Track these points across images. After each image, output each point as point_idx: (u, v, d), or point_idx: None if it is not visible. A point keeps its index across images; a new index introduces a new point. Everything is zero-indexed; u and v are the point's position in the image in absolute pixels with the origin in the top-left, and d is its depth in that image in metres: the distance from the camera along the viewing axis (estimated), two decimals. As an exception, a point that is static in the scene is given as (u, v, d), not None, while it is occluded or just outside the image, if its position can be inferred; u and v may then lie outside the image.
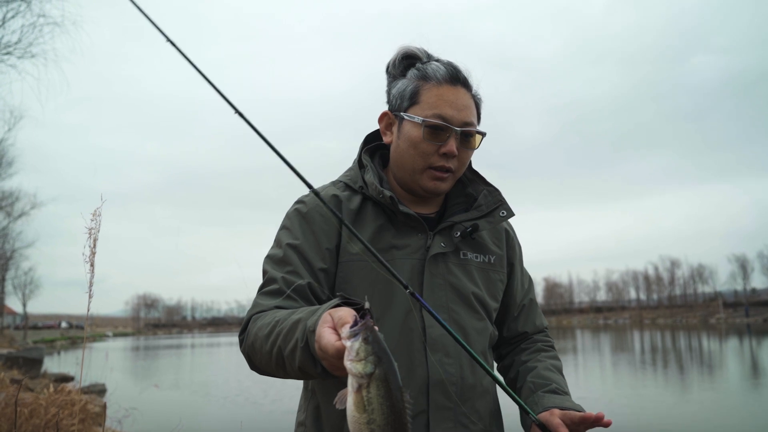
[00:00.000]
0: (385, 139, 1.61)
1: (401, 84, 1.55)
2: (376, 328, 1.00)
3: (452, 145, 1.49)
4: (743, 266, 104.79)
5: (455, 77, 1.51)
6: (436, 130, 1.48)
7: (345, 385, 1.00)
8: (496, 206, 1.63)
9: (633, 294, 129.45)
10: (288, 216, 1.59)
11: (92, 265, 1.80)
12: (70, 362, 27.01)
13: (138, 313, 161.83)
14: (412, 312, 1.49)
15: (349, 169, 1.67)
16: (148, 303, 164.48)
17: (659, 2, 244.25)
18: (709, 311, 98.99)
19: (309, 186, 1.50)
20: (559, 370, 1.66)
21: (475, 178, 1.69)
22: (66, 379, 17.66)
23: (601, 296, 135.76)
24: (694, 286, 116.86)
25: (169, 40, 1.69)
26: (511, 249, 1.75)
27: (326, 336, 1.07)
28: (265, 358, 1.33)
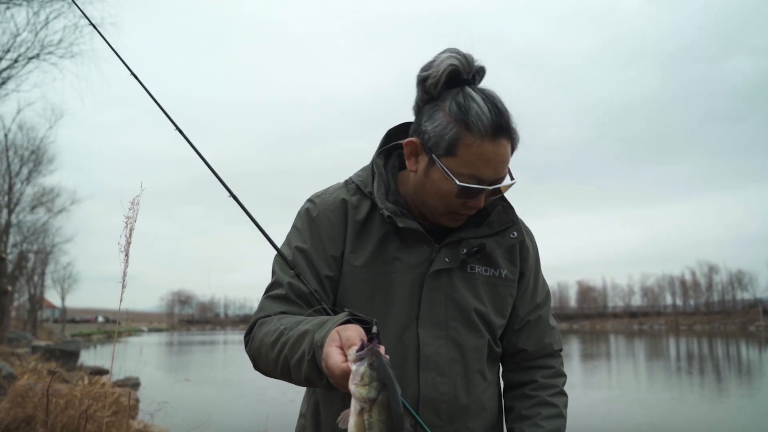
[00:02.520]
0: (408, 165, 1.49)
1: (440, 122, 1.40)
2: (383, 349, 1.01)
3: (481, 201, 1.43)
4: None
5: (499, 128, 1.37)
6: (470, 191, 1.39)
7: (348, 396, 1.02)
8: (507, 226, 1.55)
9: (669, 299, 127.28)
10: (299, 215, 1.56)
11: (127, 255, 1.79)
12: (105, 356, 27.55)
13: (172, 309, 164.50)
14: (408, 329, 1.47)
15: (363, 169, 1.59)
16: (182, 299, 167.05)
17: (694, 2, 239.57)
18: (749, 318, 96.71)
19: (228, 189, 1.54)
20: (561, 420, 1.57)
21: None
22: (101, 372, 18.01)
23: (636, 301, 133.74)
24: (732, 293, 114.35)
25: (132, 73, 1.73)
26: (524, 259, 1.63)
27: (333, 356, 1.08)
28: (271, 365, 1.35)
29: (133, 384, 15.56)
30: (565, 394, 1.63)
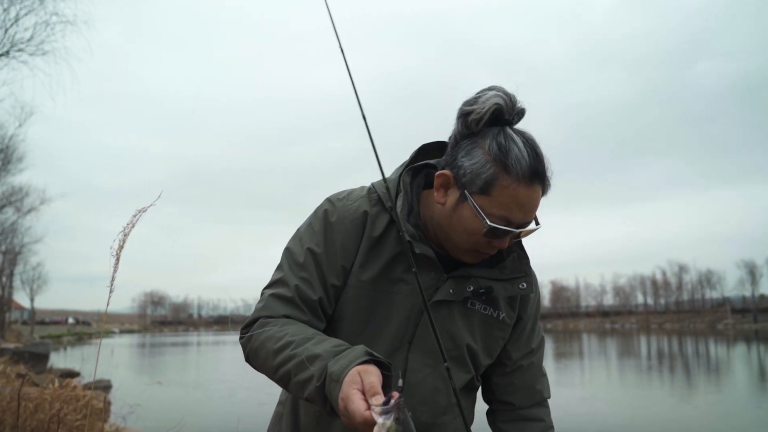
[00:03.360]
0: (437, 197, 1.46)
1: (478, 160, 1.38)
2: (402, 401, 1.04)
3: (506, 242, 1.42)
4: (752, 272, 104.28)
5: (536, 173, 1.36)
6: (498, 232, 1.38)
7: None
8: (519, 276, 1.54)
9: (640, 298, 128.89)
10: (316, 215, 1.53)
11: (118, 260, 1.77)
12: (76, 358, 27.12)
13: (145, 310, 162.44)
14: (398, 351, 1.48)
15: (388, 181, 1.52)
16: (155, 300, 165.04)
17: (663, 6, 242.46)
18: (717, 317, 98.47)
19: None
20: None
21: None
22: (71, 374, 17.73)
23: (608, 300, 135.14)
24: (702, 292, 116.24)
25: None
26: (524, 306, 1.63)
27: (356, 402, 1.09)
28: (268, 369, 1.37)
29: (105, 387, 15.34)
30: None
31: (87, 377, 15.75)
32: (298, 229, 1.56)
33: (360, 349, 1.22)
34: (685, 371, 23.20)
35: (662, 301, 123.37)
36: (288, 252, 1.52)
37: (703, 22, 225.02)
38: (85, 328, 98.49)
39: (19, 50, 16.57)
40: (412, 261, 1.36)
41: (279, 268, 1.51)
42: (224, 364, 32.97)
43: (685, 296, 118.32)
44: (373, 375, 1.13)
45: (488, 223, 1.36)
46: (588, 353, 35.50)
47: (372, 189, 1.55)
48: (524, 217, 1.39)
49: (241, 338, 1.46)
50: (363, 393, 1.10)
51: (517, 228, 1.39)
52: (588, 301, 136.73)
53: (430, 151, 1.58)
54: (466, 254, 1.46)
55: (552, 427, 1.67)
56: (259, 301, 1.47)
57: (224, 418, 12.86)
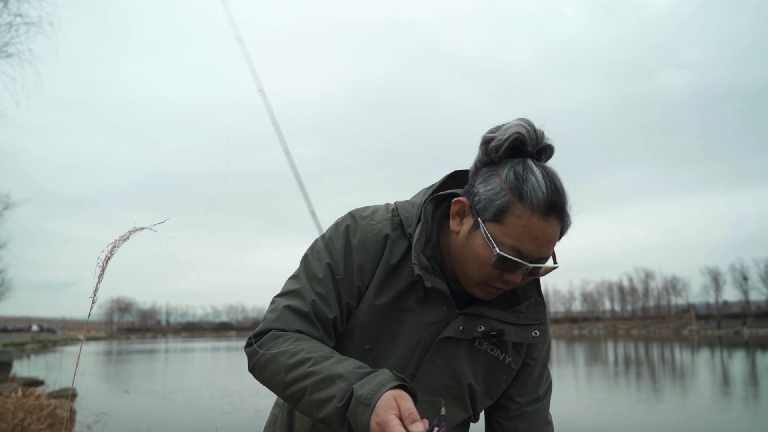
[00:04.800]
0: (452, 225, 1.44)
1: (494, 187, 1.35)
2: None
3: (518, 277, 1.37)
4: (715, 279, 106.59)
5: (552, 205, 1.32)
6: (508, 264, 1.34)
7: None
8: (533, 323, 1.50)
9: (608, 305, 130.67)
10: (337, 230, 1.49)
11: (103, 270, 1.74)
12: (40, 366, 26.53)
13: (111, 317, 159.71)
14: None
15: (411, 206, 1.51)
16: (122, 307, 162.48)
17: (629, 15, 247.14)
18: (682, 323, 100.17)
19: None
20: None
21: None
22: (35, 383, 17.37)
23: (577, 306, 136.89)
24: (667, 298, 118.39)
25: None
26: (531, 349, 1.59)
27: (396, 427, 1.09)
28: (278, 384, 1.34)
29: (69, 395, 15.04)
30: None
31: (51, 386, 15.43)
32: (317, 241, 1.52)
33: (387, 373, 1.22)
34: (651, 376, 23.56)
35: (629, 307, 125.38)
36: (306, 263, 1.48)
37: (667, 31, 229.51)
38: (49, 336, 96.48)
39: (-18, 53, 16.24)
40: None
41: (295, 278, 1.48)
42: (192, 371, 32.57)
43: (651, 302, 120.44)
44: (410, 401, 1.13)
45: (497, 251, 1.32)
46: (556, 359, 35.83)
47: (395, 211, 1.51)
48: (538, 250, 1.34)
49: (247, 347, 1.42)
50: (400, 419, 1.11)
51: (531, 263, 1.34)
52: (557, 307, 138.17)
53: (460, 177, 1.53)
54: (477, 288, 1.42)
55: None
56: (271, 311, 1.44)
57: (191, 427, 12.71)
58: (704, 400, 16.94)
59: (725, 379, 22.50)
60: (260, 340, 1.40)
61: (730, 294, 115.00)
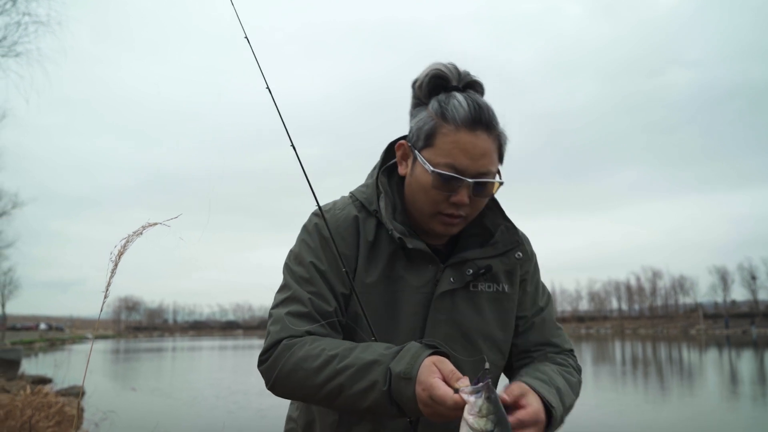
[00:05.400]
0: (400, 170, 1.53)
1: (421, 117, 1.45)
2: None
3: (463, 195, 1.41)
4: (723, 278, 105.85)
5: (476, 120, 1.39)
6: (447, 181, 1.39)
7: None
8: (512, 247, 1.56)
9: (615, 304, 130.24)
10: (308, 231, 1.54)
11: (116, 265, 1.74)
12: (48, 364, 26.67)
13: (119, 315, 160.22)
14: None
15: (366, 186, 1.58)
16: (130, 306, 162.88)
17: (632, 15, 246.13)
18: (690, 322, 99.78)
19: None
20: (566, 379, 1.50)
21: (494, 208, 1.59)
22: (44, 381, 17.45)
23: (584, 306, 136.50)
24: (675, 297, 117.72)
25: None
26: (524, 268, 1.63)
27: (442, 388, 1.15)
28: (308, 389, 1.35)
29: (78, 393, 15.11)
30: (578, 373, 1.59)
31: (60, 384, 15.50)
32: (292, 250, 1.55)
33: (415, 344, 1.27)
34: (658, 376, 23.48)
35: (636, 306, 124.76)
36: (289, 270, 1.51)
37: (670, 31, 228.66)
38: (58, 334, 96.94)
39: (-8, 51, 16.33)
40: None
41: (284, 287, 1.50)
42: (199, 370, 32.66)
43: (659, 302, 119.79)
44: (449, 363, 1.20)
45: (432, 170, 1.39)
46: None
47: (354, 197, 1.57)
48: (473, 164, 1.39)
49: (260, 365, 1.43)
50: (444, 380, 1.17)
51: (471, 178, 1.40)
52: (564, 307, 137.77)
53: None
54: (434, 221, 1.48)
55: (579, 369, 1.62)
56: (273, 323, 1.45)
57: (199, 424, 12.75)
58: (712, 400, 16.86)
59: (733, 378, 22.39)
60: (273, 354, 1.40)
61: (739, 293, 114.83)
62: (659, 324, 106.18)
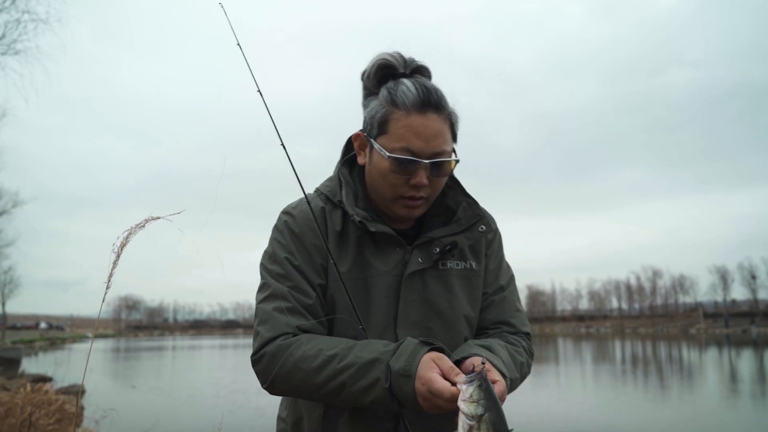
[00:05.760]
0: (359, 160, 1.58)
1: (373, 106, 1.51)
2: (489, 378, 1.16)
3: (421, 177, 1.45)
4: (723, 277, 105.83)
5: (426, 103, 1.44)
6: (404, 164, 1.44)
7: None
8: (475, 221, 1.60)
9: (615, 303, 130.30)
10: (278, 229, 1.58)
11: (118, 257, 1.74)
12: (48, 363, 26.68)
13: (119, 314, 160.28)
14: (387, 329, 1.50)
15: (329, 180, 1.65)
16: (130, 305, 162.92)
17: (632, 14, 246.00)
18: (690, 321, 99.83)
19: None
20: (511, 354, 1.51)
21: (455, 186, 1.64)
22: (44, 379, 17.44)
23: (584, 305, 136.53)
24: (675, 297, 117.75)
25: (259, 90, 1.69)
26: (488, 245, 1.68)
27: (440, 381, 1.22)
28: (308, 388, 1.38)
29: (78, 391, 15.12)
30: (529, 356, 1.62)
31: (60, 382, 15.51)
32: (266, 250, 1.59)
33: (412, 341, 1.33)
34: (658, 375, 23.49)
35: (636, 305, 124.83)
36: (266, 269, 1.54)
37: (670, 31, 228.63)
38: (58, 333, 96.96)
39: (-9, 49, 16.32)
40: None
41: (264, 286, 1.53)
42: (199, 369, 32.67)
43: (659, 301, 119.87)
44: (447, 360, 1.27)
45: (388, 155, 1.43)
46: (564, 357, 35.78)
47: (319, 191, 1.63)
48: (426, 145, 1.43)
49: (255, 365, 1.45)
50: (443, 376, 1.23)
51: (426, 159, 1.44)
52: (564, 306, 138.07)
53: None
54: (395, 205, 1.52)
55: (532, 353, 1.65)
56: (260, 323, 1.47)
57: (198, 422, 12.76)
58: (712, 399, 16.87)
59: (733, 377, 22.40)
60: (267, 355, 1.42)
61: (738, 293, 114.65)
62: (659, 323, 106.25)
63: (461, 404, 1.13)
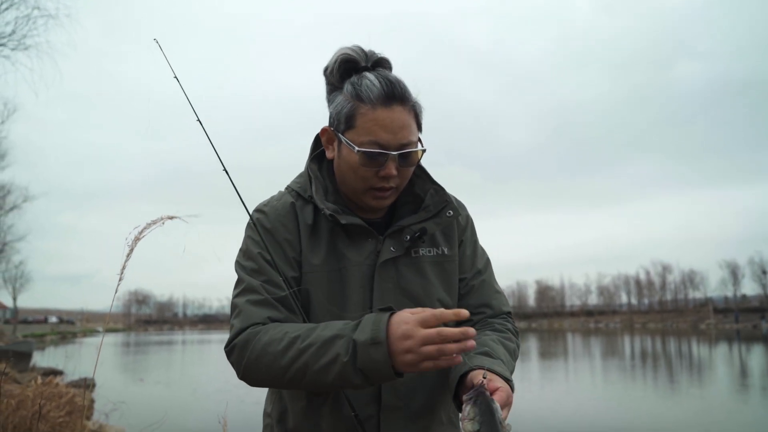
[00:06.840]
0: (328, 155, 1.61)
1: (338, 102, 1.53)
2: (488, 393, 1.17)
3: (390, 168, 1.48)
4: (734, 272, 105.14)
5: (390, 95, 1.47)
6: (372, 157, 1.47)
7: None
8: (442, 206, 1.62)
9: (624, 298, 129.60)
10: (250, 227, 1.60)
11: (132, 250, 1.76)
12: (59, 357, 26.89)
13: (129, 309, 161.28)
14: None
15: (299, 176, 1.68)
16: (140, 299, 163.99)
17: (643, 7, 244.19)
18: (700, 317, 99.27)
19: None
20: (505, 346, 1.55)
21: (422, 174, 1.67)
22: (54, 373, 17.56)
23: (593, 300, 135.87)
24: (685, 292, 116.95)
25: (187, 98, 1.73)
26: (460, 231, 1.71)
27: (419, 311, 1.24)
28: (274, 373, 1.38)
29: (89, 385, 15.22)
30: (515, 336, 1.64)
31: (70, 376, 15.62)
32: (240, 248, 1.61)
33: (371, 314, 1.32)
34: (668, 370, 23.42)
35: (646, 300, 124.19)
36: (240, 266, 1.57)
37: (681, 23, 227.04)
38: (69, 327, 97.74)
39: (1, 45, 16.43)
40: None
41: (239, 281, 1.55)
42: (209, 363, 32.83)
43: (669, 296, 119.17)
44: (430, 311, 1.24)
45: (357, 149, 1.46)
46: (573, 352, 35.72)
47: (289, 188, 1.66)
48: (393, 138, 1.46)
49: (229, 356, 1.46)
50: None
51: (394, 151, 1.47)
52: (573, 301, 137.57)
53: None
54: (366, 196, 1.54)
55: (517, 333, 1.66)
56: (235, 316, 1.49)
57: (208, 415, 12.82)
58: (722, 394, 16.81)
59: (743, 372, 22.31)
60: (238, 344, 1.43)
61: (749, 288, 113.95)
62: (669, 318, 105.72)
63: (462, 424, 1.15)
